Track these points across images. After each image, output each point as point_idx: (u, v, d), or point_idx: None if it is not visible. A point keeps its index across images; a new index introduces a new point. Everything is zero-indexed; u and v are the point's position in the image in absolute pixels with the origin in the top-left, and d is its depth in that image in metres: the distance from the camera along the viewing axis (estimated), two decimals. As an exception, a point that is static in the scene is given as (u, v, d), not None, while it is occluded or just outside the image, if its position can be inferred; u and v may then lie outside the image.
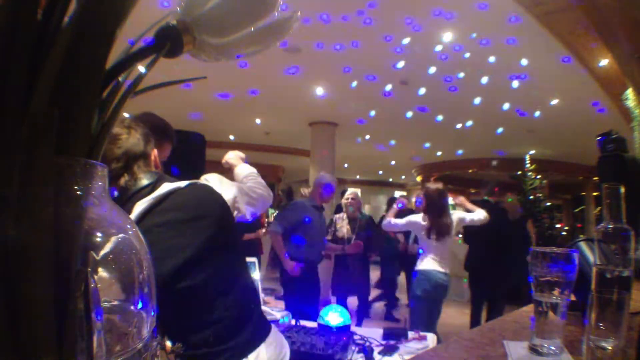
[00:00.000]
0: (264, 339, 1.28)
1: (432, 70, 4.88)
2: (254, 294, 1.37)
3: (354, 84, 5.35)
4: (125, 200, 1.17)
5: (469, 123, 6.92)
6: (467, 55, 4.43)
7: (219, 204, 1.30)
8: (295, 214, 3.67)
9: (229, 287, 1.26)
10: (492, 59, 4.47)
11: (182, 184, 1.25)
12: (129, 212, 1.14)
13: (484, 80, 5.07)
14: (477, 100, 5.79)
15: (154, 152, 1.30)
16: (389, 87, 5.50)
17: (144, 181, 1.20)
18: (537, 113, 6.31)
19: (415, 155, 10.69)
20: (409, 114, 6.46)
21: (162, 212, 1.17)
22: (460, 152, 9.28)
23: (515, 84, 5.11)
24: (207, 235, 1.22)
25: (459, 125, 7.09)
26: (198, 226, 1.22)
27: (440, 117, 6.71)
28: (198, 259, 1.18)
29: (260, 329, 1.30)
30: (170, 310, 1.13)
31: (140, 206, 1.15)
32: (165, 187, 1.21)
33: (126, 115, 1.30)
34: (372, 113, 6.63)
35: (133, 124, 1.25)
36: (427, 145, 8.91)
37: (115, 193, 1.17)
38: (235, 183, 1.53)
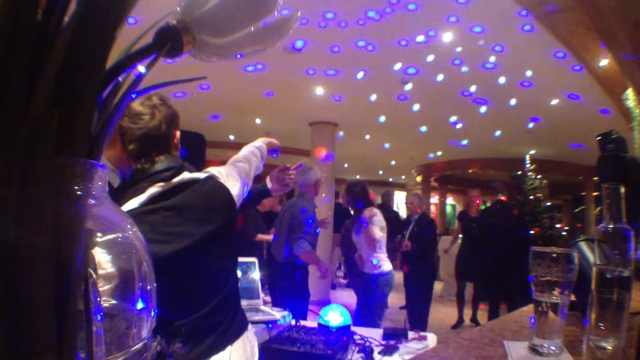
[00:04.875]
0: (232, 342, 1.25)
1: (432, 70, 4.87)
2: (235, 296, 1.35)
3: (355, 83, 5.34)
4: (139, 181, 1.17)
5: (469, 123, 6.91)
6: (468, 55, 4.43)
7: (229, 203, 1.31)
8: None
9: (220, 285, 1.26)
10: (492, 59, 4.48)
11: (202, 175, 1.26)
12: (141, 192, 1.15)
13: (484, 80, 5.07)
14: (477, 101, 5.79)
15: (177, 136, 1.29)
16: (389, 87, 5.49)
17: (161, 165, 1.20)
18: (537, 113, 6.31)
19: (413, 155, 10.67)
20: (410, 112, 6.46)
21: (176, 198, 1.19)
22: (460, 152, 9.26)
23: (515, 84, 5.11)
24: (209, 229, 1.23)
25: (459, 126, 7.08)
26: (205, 219, 1.23)
27: (440, 118, 6.71)
28: (196, 250, 1.18)
29: (232, 331, 1.28)
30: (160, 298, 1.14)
31: (153, 190, 1.16)
32: (185, 175, 1.22)
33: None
34: (372, 112, 6.62)
35: (159, 105, 1.23)
36: (428, 145, 8.89)
37: (134, 174, 1.18)
38: (233, 171, 1.44)
